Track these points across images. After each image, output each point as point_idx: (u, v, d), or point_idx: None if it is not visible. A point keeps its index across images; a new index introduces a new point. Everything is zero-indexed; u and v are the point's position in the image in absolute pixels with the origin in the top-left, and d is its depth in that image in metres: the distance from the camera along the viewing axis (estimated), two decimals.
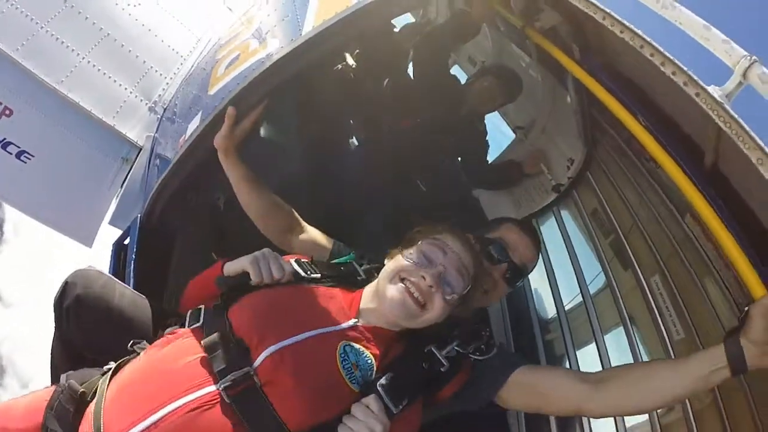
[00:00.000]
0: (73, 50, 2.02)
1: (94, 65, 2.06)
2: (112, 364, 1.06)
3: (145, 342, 1.11)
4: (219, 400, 0.90)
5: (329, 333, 1.06)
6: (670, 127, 1.20)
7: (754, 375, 1.01)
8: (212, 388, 0.91)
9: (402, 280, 1.08)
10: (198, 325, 1.04)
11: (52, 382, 1.28)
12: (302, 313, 1.08)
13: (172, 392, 0.91)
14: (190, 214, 1.74)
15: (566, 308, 2.12)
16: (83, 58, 2.03)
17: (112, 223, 1.87)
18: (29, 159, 1.83)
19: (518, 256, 1.46)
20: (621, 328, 1.80)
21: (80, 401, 1.00)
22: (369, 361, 1.05)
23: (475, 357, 1.20)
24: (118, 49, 2.19)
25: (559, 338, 2.09)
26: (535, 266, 1.53)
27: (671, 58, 1.07)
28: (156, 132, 2.10)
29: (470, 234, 1.37)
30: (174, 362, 0.98)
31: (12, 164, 1.81)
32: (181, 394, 0.90)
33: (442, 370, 1.13)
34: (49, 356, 1.41)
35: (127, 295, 1.29)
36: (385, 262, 1.19)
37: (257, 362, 0.94)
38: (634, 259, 1.76)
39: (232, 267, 1.14)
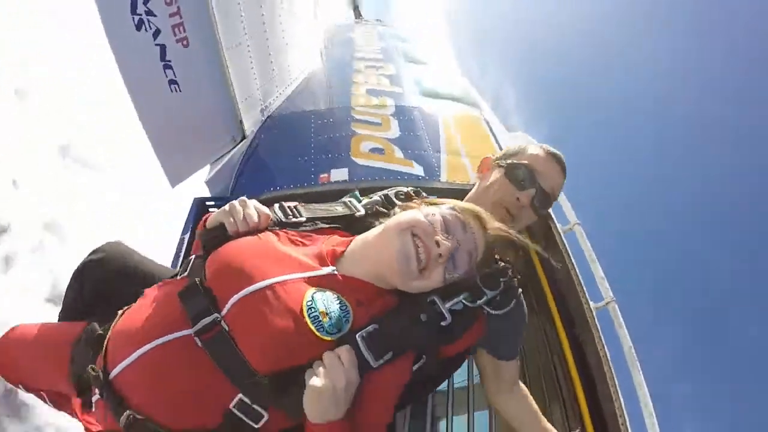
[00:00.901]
0: (244, 29, 2.53)
1: (248, 51, 2.59)
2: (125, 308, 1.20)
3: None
4: (192, 343, 1.00)
5: (297, 279, 1.06)
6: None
7: None
8: (187, 332, 1.01)
9: (413, 236, 1.06)
10: (185, 274, 1.14)
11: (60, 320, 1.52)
12: (273, 260, 1.08)
13: (152, 333, 1.03)
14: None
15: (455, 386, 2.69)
16: (246, 40, 2.55)
17: (207, 182, 2.30)
18: (175, 91, 2.15)
19: (547, 182, 1.47)
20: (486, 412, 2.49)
21: (98, 342, 1.14)
22: (344, 309, 1.04)
23: (490, 311, 1.18)
24: (265, 47, 2.79)
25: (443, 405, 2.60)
26: (561, 191, 1.58)
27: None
28: (258, 132, 2.70)
29: (496, 158, 1.59)
30: (158, 307, 1.09)
31: (161, 85, 2.12)
32: (159, 335, 1.02)
33: (443, 324, 1.10)
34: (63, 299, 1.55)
35: (159, 270, 1.42)
36: (395, 211, 1.20)
37: (225, 310, 1.01)
38: None
39: (211, 220, 1.21)
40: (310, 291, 1.04)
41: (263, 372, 0.98)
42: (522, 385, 1.53)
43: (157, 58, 2.02)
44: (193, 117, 2.26)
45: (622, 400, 1.70)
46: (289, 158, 2.52)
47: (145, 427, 1.00)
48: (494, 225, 1.14)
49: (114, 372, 1.03)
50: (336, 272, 1.09)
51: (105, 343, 1.10)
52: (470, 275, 1.10)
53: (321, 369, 0.96)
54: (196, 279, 1.06)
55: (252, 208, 1.18)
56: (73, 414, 1.47)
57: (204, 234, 1.17)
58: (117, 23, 1.90)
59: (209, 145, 2.43)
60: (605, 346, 1.94)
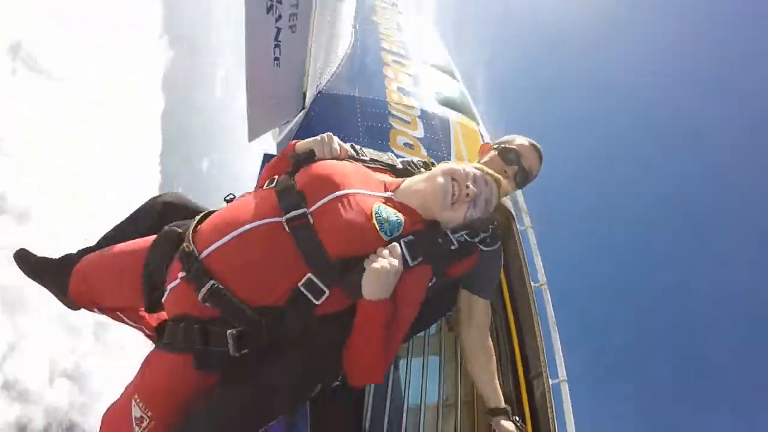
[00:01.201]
0: (327, 21, 3.08)
1: (324, 38, 3.14)
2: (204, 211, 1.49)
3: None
4: (280, 228, 1.29)
5: (369, 195, 1.43)
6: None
7: None
8: (277, 219, 1.31)
9: (452, 179, 1.43)
10: (272, 185, 1.46)
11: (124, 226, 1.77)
12: (351, 179, 1.44)
13: (247, 219, 1.31)
14: None
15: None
16: (325, 29, 3.10)
17: (277, 143, 2.88)
18: (276, 65, 2.68)
19: (528, 163, 2.01)
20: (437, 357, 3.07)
21: (178, 239, 1.38)
22: (398, 221, 1.38)
23: (482, 247, 1.62)
24: (331, 34, 3.34)
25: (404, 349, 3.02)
26: (538, 173, 2.08)
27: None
28: (313, 104, 3.29)
29: (493, 144, 2.07)
30: (251, 202, 1.39)
31: (268, 59, 2.64)
32: (254, 220, 1.30)
33: (452, 248, 1.46)
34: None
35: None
36: (440, 164, 1.57)
37: (313, 208, 1.34)
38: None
39: (302, 146, 1.57)
40: (377, 203, 1.41)
41: (334, 257, 1.27)
42: (491, 344, 1.88)
43: (272, 37, 2.55)
44: (278, 88, 2.81)
45: (545, 356, 2.49)
46: (338, 135, 3.15)
47: (224, 296, 1.22)
48: (507, 189, 1.63)
49: (204, 253, 1.28)
50: (393, 197, 1.49)
51: (190, 236, 1.34)
52: (483, 218, 1.50)
53: (380, 258, 1.27)
54: (292, 185, 1.41)
55: (336, 142, 1.58)
56: (146, 328, 1.71)
57: (295, 155, 1.56)
58: (256, 3, 2.41)
59: (281, 113, 3.00)
60: (537, 315, 2.77)
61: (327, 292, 1.27)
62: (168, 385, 1.33)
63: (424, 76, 4.41)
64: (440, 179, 1.44)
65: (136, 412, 1.32)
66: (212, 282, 1.23)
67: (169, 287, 1.35)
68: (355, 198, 1.40)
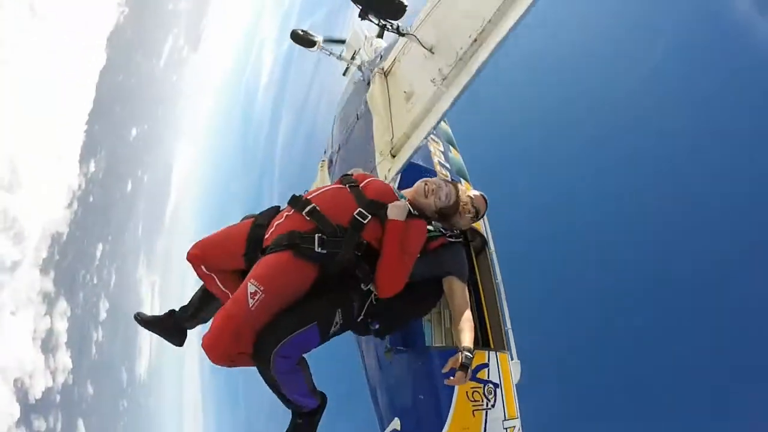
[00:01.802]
0: None
1: None
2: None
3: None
4: (345, 189, 2.38)
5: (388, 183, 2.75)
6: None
7: None
8: (343, 186, 2.41)
9: (425, 183, 2.50)
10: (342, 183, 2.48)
11: None
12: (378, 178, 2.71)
13: (330, 184, 2.45)
14: None
15: None
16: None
17: None
18: None
19: (480, 207, 2.91)
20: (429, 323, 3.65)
21: (277, 210, 2.35)
22: (404, 196, 2.49)
23: (449, 239, 2.80)
24: None
25: None
26: (486, 211, 2.99)
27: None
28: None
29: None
30: (327, 185, 2.48)
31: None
32: (333, 185, 2.46)
33: (432, 229, 2.72)
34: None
35: None
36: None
37: (361, 185, 2.41)
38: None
39: (348, 171, 2.62)
40: (394, 187, 2.63)
41: (372, 200, 2.32)
42: (468, 313, 2.57)
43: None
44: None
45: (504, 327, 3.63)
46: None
47: (319, 213, 2.20)
48: (462, 194, 2.71)
49: (308, 197, 2.32)
50: (402, 191, 2.59)
51: (297, 195, 2.36)
52: (444, 206, 2.55)
53: (398, 200, 2.38)
54: (348, 176, 2.55)
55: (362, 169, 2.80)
56: (231, 293, 2.25)
57: (346, 177, 2.57)
58: None
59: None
60: (502, 309, 3.78)
61: (369, 216, 2.26)
62: (276, 268, 2.03)
63: (446, 152, 6.99)
64: (418, 183, 2.61)
65: (251, 288, 1.94)
66: (313, 205, 2.24)
67: (275, 224, 2.24)
68: (383, 183, 2.57)
